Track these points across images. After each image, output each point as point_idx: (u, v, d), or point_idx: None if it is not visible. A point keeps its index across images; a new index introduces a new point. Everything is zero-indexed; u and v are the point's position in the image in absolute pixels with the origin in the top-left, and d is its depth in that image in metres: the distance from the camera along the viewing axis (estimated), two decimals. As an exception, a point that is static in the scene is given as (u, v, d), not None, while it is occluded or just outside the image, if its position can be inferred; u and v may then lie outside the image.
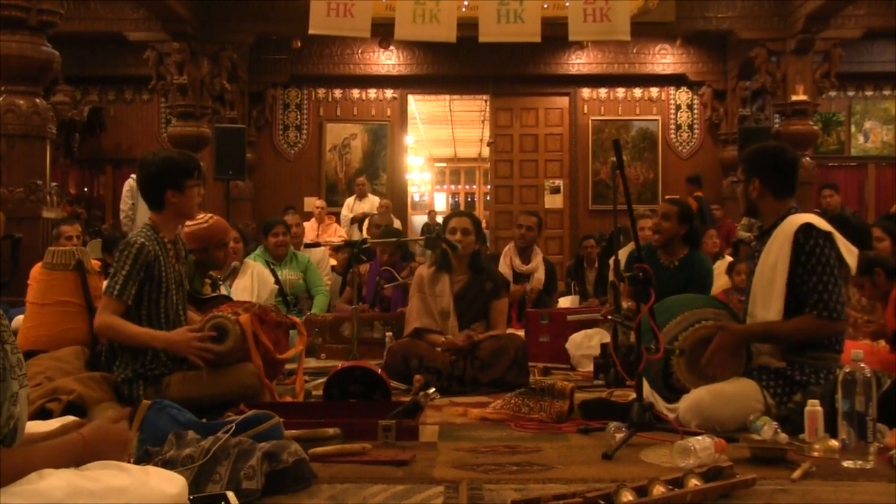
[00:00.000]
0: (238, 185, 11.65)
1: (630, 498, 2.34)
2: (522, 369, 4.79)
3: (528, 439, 3.41)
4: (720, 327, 3.58)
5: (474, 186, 25.55)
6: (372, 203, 11.86)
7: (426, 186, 25.48)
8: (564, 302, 7.47)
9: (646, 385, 3.66)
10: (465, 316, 5.02)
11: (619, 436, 3.16)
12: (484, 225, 8.67)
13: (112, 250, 6.53)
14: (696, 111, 13.29)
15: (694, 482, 2.48)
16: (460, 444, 3.30)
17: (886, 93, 13.56)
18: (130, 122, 13.25)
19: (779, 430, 3.13)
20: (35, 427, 2.25)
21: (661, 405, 3.65)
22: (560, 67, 12.93)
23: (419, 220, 20.32)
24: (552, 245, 12.78)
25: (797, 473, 2.74)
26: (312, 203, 11.81)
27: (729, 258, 8.40)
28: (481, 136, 20.04)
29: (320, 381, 4.42)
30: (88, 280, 4.44)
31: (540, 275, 7.08)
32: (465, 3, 9.98)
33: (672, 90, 13.30)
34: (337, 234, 11.17)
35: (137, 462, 2.50)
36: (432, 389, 3.97)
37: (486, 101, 14.66)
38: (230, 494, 2.30)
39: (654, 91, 13.29)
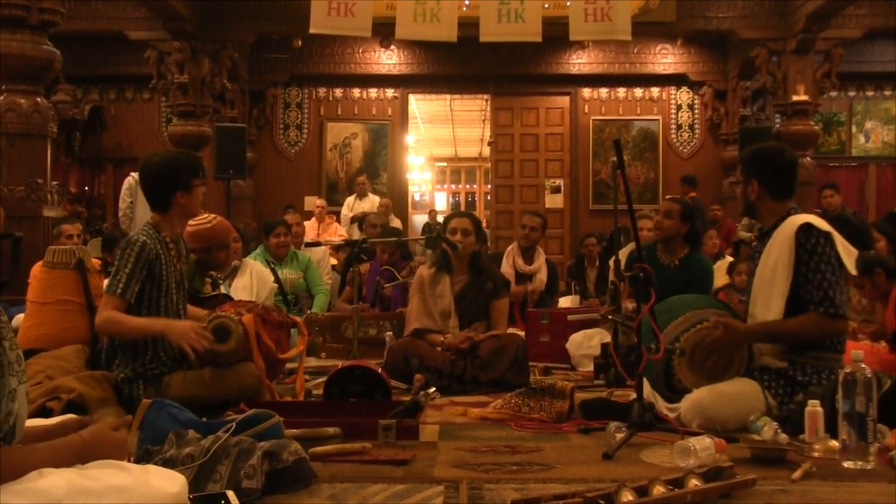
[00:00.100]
0: (238, 185, 11.64)
1: (630, 498, 2.34)
2: (523, 369, 4.80)
3: (528, 439, 3.41)
4: (724, 324, 3.57)
5: (475, 186, 25.54)
6: (372, 202, 11.85)
7: (427, 186, 25.47)
8: (565, 302, 7.47)
9: (646, 385, 3.66)
10: (466, 316, 5.02)
11: (619, 436, 3.17)
12: (484, 224, 8.67)
13: (112, 249, 6.55)
14: (696, 111, 13.29)
15: (694, 482, 2.48)
16: (460, 444, 3.30)
17: (887, 93, 13.55)
18: (131, 121, 13.25)
19: (779, 431, 3.13)
20: (35, 423, 2.25)
21: (662, 405, 3.65)
22: (561, 67, 12.92)
23: (420, 219, 20.32)
24: (552, 245, 12.77)
25: (797, 474, 2.74)
26: (313, 202, 11.81)
27: (729, 258, 8.41)
28: (482, 135, 20.04)
29: (321, 380, 4.42)
30: (89, 279, 4.44)
31: (542, 276, 7.07)
32: (466, 2, 9.97)
33: (673, 90, 13.29)
34: (337, 233, 11.17)
35: (138, 461, 2.50)
36: (432, 389, 3.98)
37: (486, 100, 14.66)
38: (230, 493, 2.30)
39: (655, 91, 13.28)
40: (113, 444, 2.12)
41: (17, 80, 6.49)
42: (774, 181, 3.71)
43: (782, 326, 3.55)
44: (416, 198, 23.67)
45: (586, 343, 5.56)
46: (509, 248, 7.35)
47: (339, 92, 13.29)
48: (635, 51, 12.69)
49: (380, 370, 4.06)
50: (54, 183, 6.86)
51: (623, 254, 5.02)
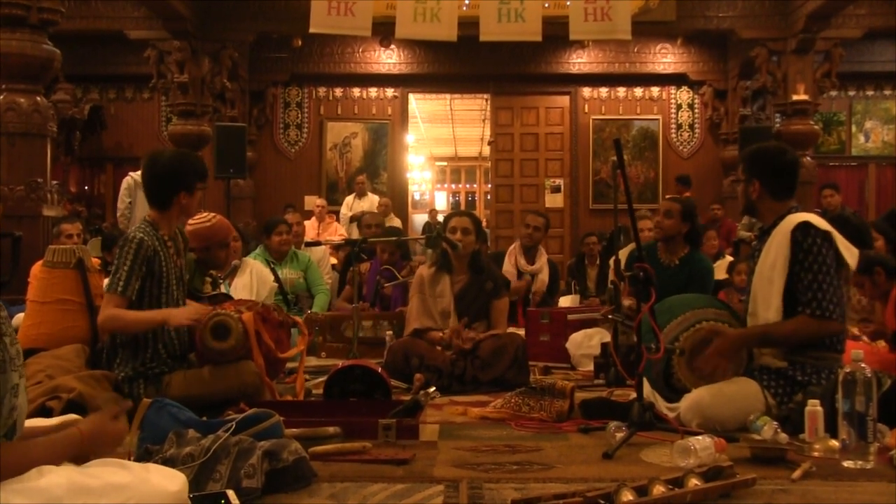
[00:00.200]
0: (239, 184, 11.64)
1: (630, 497, 2.34)
2: (523, 368, 4.80)
3: (528, 438, 3.41)
4: (716, 332, 3.57)
5: (475, 185, 25.53)
6: (371, 202, 11.85)
7: (427, 185, 25.46)
8: (565, 301, 7.48)
9: (646, 385, 3.66)
10: (466, 315, 5.02)
11: (619, 435, 3.17)
12: (484, 224, 8.67)
13: (112, 248, 6.54)
14: (696, 111, 13.29)
15: (694, 482, 2.48)
16: (460, 444, 3.30)
17: (887, 92, 13.55)
18: (131, 120, 13.25)
19: (779, 430, 3.13)
20: (35, 423, 2.25)
21: (662, 405, 3.65)
22: (561, 66, 12.92)
23: (420, 219, 20.32)
24: (552, 244, 12.77)
25: (797, 473, 2.74)
26: (313, 202, 11.81)
27: (729, 258, 8.42)
28: (482, 135, 20.04)
29: (321, 379, 4.42)
30: (89, 278, 4.44)
31: (544, 276, 7.08)
32: (466, 2, 9.97)
33: (673, 89, 13.29)
34: (337, 232, 11.17)
35: (138, 460, 2.50)
36: (432, 388, 3.98)
37: (486, 100, 14.66)
38: (230, 493, 2.30)
39: (655, 90, 13.28)
40: (112, 432, 2.11)
41: (16, 80, 6.49)
42: (775, 180, 3.71)
43: (774, 330, 3.55)
44: (416, 197, 23.66)
45: (586, 343, 5.56)
46: (511, 247, 7.35)
47: (339, 91, 13.29)
48: (635, 50, 12.69)
49: (380, 370, 4.06)
50: (54, 182, 6.86)
51: (623, 253, 5.01)
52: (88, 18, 10.61)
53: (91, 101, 12.92)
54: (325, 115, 13.30)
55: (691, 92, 13.26)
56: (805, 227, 3.54)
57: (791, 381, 3.51)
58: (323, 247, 8.06)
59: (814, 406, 3.14)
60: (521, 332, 5.79)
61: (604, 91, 13.26)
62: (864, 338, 4.57)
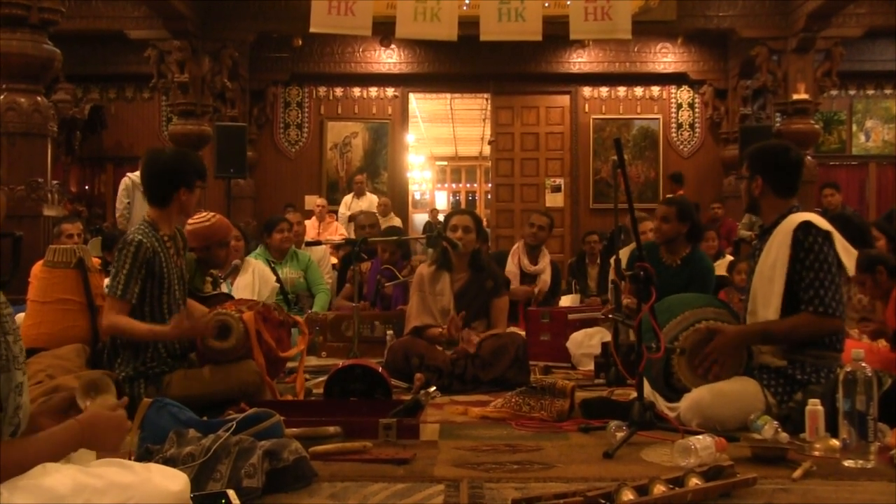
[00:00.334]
0: (239, 184, 11.64)
1: (631, 497, 2.34)
2: (523, 368, 4.80)
3: (528, 438, 3.41)
4: (716, 330, 3.57)
5: (475, 185, 25.53)
6: (370, 201, 11.86)
7: (427, 185, 25.46)
8: (566, 300, 7.47)
9: (646, 384, 3.66)
10: (466, 314, 5.02)
11: (619, 435, 3.17)
12: (485, 223, 8.66)
13: (112, 248, 6.54)
14: (697, 110, 13.29)
15: (694, 481, 2.48)
16: (461, 443, 3.30)
17: (888, 92, 13.54)
18: (131, 120, 13.25)
19: (779, 430, 3.13)
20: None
21: (662, 404, 3.65)
22: (561, 66, 12.92)
23: (420, 218, 20.32)
24: (553, 243, 12.74)
25: (798, 473, 2.74)
26: (313, 201, 11.81)
27: (730, 257, 8.41)
28: (482, 134, 20.03)
29: (321, 379, 4.42)
30: (89, 278, 4.44)
31: (547, 276, 7.06)
32: (467, 1, 9.97)
33: (673, 89, 13.29)
34: (338, 232, 11.17)
35: (138, 460, 2.50)
36: (433, 388, 3.98)
37: (486, 99, 14.65)
38: (231, 493, 2.31)
39: (656, 90, 13.28)
40: (112, 423, 2.11)
41: (17, 80, 6.49)
42: (778, 178, 3.72)
43: (775, 327, 3.55)
44: (417, 197, 23.66)
45: (587, 342, 5.56)
46: (515, 246, 7.34)
47: (339, 91, 13.29)
48: (636, 50, 12.69)
49: (380, 369, 4.07)
50: (54, 182, 6.86)
51: (624, 253, 5.02)
52: (89, 18, 10.61)
53: (91, 100, 12.92)
54: (325, 115, 13.30)
55: (692, 91, 13.26)
56: (806, 226, 3.54)
57: (791, 380, 3.51)
58: (323, 246, 8.06)
59: (814, 405, 3.14)
60: (522, 331, 5.79)
61: (604, 90, 13.26)
62: (865, 337, 4.57)
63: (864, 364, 2.84)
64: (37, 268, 4.73)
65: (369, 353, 5.13)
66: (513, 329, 5.48)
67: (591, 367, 5.20)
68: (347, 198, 12.11)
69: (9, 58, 6.39)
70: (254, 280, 5.89)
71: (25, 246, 6.15)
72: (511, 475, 2.80)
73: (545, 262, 7.13)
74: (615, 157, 3.59)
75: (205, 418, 2.92)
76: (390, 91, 13.32)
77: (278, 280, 6.32)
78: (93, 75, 12.77)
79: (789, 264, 3.52)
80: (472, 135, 21.07)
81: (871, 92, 13.59)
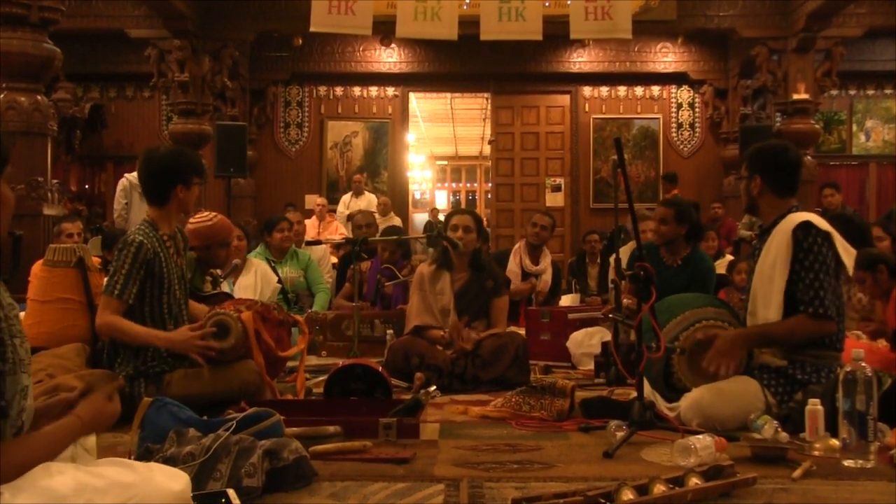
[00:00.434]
0: (239, 183, 11.64)
1: (631, 496, 2.34)
2: (523, 367, 4.79)
3: (528, 437, 3.42)
4: (716, 335, 3.57)
5: (475, 184, 25.53)
6: (369, 200, 11.87)
7: (427, 184, 25.46)
8: (566, 300, 7.47)
9: (646, 384, 3.66)
10: (466, 314, 5.02)
11: (619, 434, 3.17)
12: (485, 223, 8.66)
13: (113, 247, 6.54)
14: (697, 110, 13.29)
15: (694, 481, 2.48)
16: (461, 442, 3.30)
17: (888, 91, 13.54)
18: (132, 119, 13.25)
19: (779, 429, 3.13)
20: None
21: (662, 404, 3.65)
22: (561, 65, 12.92)
23: (421, 217, 20.32)
24: (553, 243, 12.71)
25: (798, 472, 2.74)
26: (314, 201, 11.81)
27: (730, 256, 8.41)
28: (482, 133, 20.03)
29: (321, 378, 4.42)
30: (89, 277, 4.44)
31: (547, 277, 7.06)
32: (467, 1, 9.97)
33: (673, 88, 13.29)
34: (338, 231, 11.17)
35: (138, 459, 2.50)
36: (433, 387, 3.98)
37: (487, 98, 14.66)
38: (231, 492, 2.30)
39: (656, 89, 13.28)
40: (108, 412, 2.11)
41: (17, 79, 6.49)
42: (777, 178, 3.72)
43: (773, 329, 3.56)
44: (417, 196, 23.66)
45: (587, 341, 5.56)
46: (516, 246, 7.33)
47: (339, 90, 13.30)
48: (636, 49, 12.69)
49: (380, 369, 4.07)
50: (55, 181, 6.86)
51: (625, 252, 5.02)
52: (89, 17, 10.62)
53: (92, 99, 12.91)
54: (325, 114, 13.30)
55: (692, 91, 13.26)
56: (806, 226, 3.54)
57: (791, 379, 3.51)
58: (323, 246, 8.06)
59: (814, 405, 3.14)
60: (522, 330, 5.79)
61: (604, 90, 13.26)
62: (865, 337, 4.57)
63: (864, 364, 2.84)
64: (37, 267, 4.73)
65: (369, 353, 5.13)
66: (513, 329, 5.48)
67: (591, 366, 5.20)
68: (346, 197, 12.11)
69: (9, 56, 6.39)
70: (256, 280, 5.89)
71: (25, 245, 6.11)
72: (511, 475, 2.80)
73: (546, 262, 7.12)
74: (615, 157, 3.59)
75: (205, 418, 2.92)
76: (390, 90, 13.32)
77: (279, 280, 6.32)
78: (93, 74, 12.77)
79: (789, 264, 3.52)
80: (472, 134, 21.08)
81: (871, 92, 13.59)
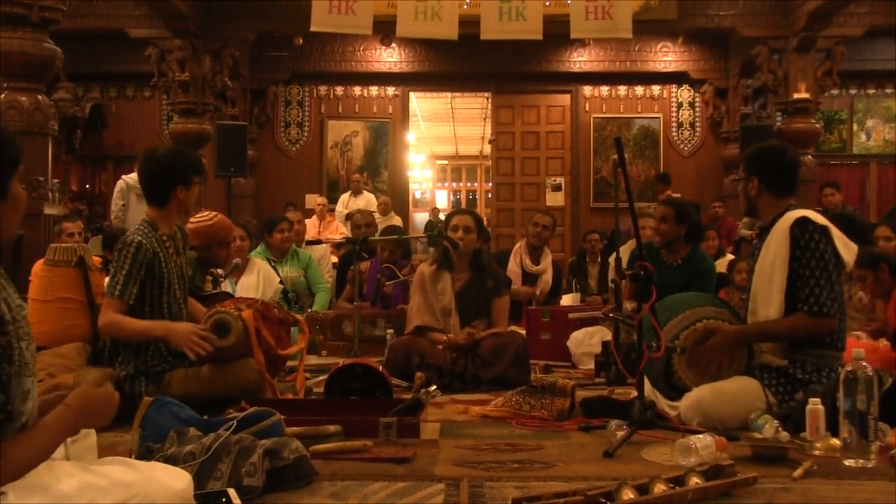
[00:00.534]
0: (239, 182, 11.64)
1: (631, 496, 2.34)
2: (523, 367, 4.79)
3: (529, 437, 3.42)
4: (714, 329, 3.57)
5: (475, 184, 25.53)
6: (367, 199, 11.88)
7: (428, 184, 25.46)
8: (566, 299, 7.47)
9: (647, 383, 3.66)
10: (467, 314, 5.02)
11: (620, 434, 3.17)
12: (485, 223, 8.66)
13: (113, 247, 6.55)
14: (697, 109, 13.29)
15: (695, 480, 2.48)
16: (461, 442, 3.30)
17: (889, 91, 13.54)
18: (132, 118, 13.25)
19: (780, 429, 3.14)
20: None
21: (663, 403, 3.65)
22: (562, 65, 12.92)
23: (421, 217, 20.32)
24: (554, 243, 12.69)
25: (798, 472, 2.74)
26: (314, 200, 11.82)
27: (730, 256, 8.41)
28: (483, 133, 20.03)
29: (321, 378, 4.42)
30: (90, 276, 4.45)
31: (549, 276, 7.06)
32: (467, 0, 9.97)
33: (674, 88, 13.29)
34: (338, 231, 11.17)
35: (139, 458, 2.50)
36: (433, 387, 3.98)
37: (487, 98, 14.65)
38: (231, 491, 2.31)
39: (656, 89, 13.28)
40: (102, 400, 2.10)
41: (18, 78, 6.48)
42: (775, 178, 3.72)
43: (772, 327, 3.56)
44: (417, 196, 23.66)
45: (587, 341, 5.56)
46: (517, 246, 7.32)
47: (339, 90, 13.29)
48: (636, 49, 12.68)
49: (381, 368, 4.07)
50: (55, 181, 6.85)
51: (625, 251, 5.01)
52: (90, 17, 10.62)
53: (92, 99, 12.91)
54: (325, 114, 13.30)
55: (692, 90, 13.25)
56: (803, 222, 3.54)
57: (792, 379, 3.51)
58: (324, 245, 8.06)
59: (815, 404, 3.14)
60: (523, 330, 5.79)
61: (605, 89, 13.26)
62: (865, 336, 4.57)
63: (864, 363, 2.84)
64: (37, 266, 4.73)
65: (370, 352, 5.14)
66: (514, 328, 5.48)
67: (592, 366, 5.20)
68: (345, 196, 12.13)
69: (10, 56, 6.38)
70: (258, 280, 5.88)
71: (26, 244, 6.15)
72: (511, 474, 2.80)
73: (547, 262, 7.12)
74: (616, 157, 3.59)
75: (205, 417, 2.92)
76: (391, 90, 13.32)
77: (281, 281, 6.32)
78: (94, 74, 12.77)
79: (788, 261, 3.52)
80: (472, 134, 21.08)
81: (871, 91, 13.59)
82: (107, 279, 3.97)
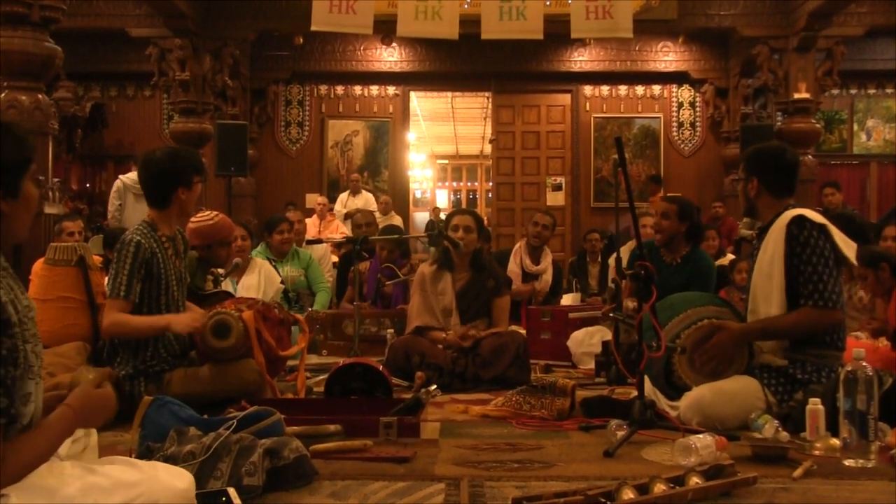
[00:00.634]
0: (240, 182, 11.64)
1: (631, 496, 2.34)
2: (524, 366, 4.80)
3: (529, 437, 3.42)
4: (718, 326, 3.57)
5: (476, 183, 25.52)
6: (366, 199, 11.89)
7: (428, 183, 25.45)
8: (566, 299, 7.47)
9: (647, 383, 3.66)
10: (467, 313, 5.02)
11: (620, 433, 3.17)
12: (485, 222, 8.65)
13: (114, 246, 6.55)
14: (698, 109, 13.28)
15: (695, 480, 2.48)
16: (461, 442, 3.30)
17: (889, 91, 13.53)
18: (132, 118, 13.25)
19: (780, 429, 3.13)
20: None
21: (663, 403, 3.65)
22: (562, 65, 12.92)
23: (421, 216, 20.31)
24: (554, 242, 12.68)
25: (798, 472, 2.74)
26: (314, 199, 11.82)
27: (731, 255, 8.41)
28: (483, 132, 20.03)
29: (322, 377, 4.42)
30: (90, 276, 4.44)
31: (548, 276, 7.06)
32: (468, 0, 9.97)
33: (674, 88, 13.29)
34: (339, 230, 11.17)
35: (139, 458, 2.50)
36: (433, 386, 3.99)
37: (488, 98, 14.65)
38: (231, 491, 2.30)
39: (657, 88, 13.28)
40: (101, 399, 2.10)
41: (18, 77, 6.48)
42: (774, 179, 3.73)
43: (776, 323, 3.55)
44: (418, 195, 23.66)
45: (587, 341, 5.56)
46: (517, 246, 7.32)
47: (340, 89, 13.30)
48: (637, 48, 12.68)
49: (381, 368, 4.07)
50: (55, 180, 6.86)
51: (625, 251, 5.01)
52: (90, 16, 10.62)
53: (92, 98, 12.91)
54: (326, 113, 13.30)
55: (693, 90, 13.25)
56: (800, 220, 3.55)
57: (792, 379, 3.51)
58: (324, 245, 8.05)
59: (815, 404, 3.14)
60: (523, 330, 5.79)
61: (605, 89, 13.26)
62: (864, 335, 4.57)
63: (864, 363, 2.84)
64: (37, 265, 4.73)
65: (370, 352, 5.14)
66: (514, 328, 5.48)
67: (592, 365, 5.20)
68: (343, 195, 12.15)
69: (10, 55, 6.39)
70: (260, 280, 5.88)
71: (26, 244, 6.15)
72: (511, 474, 2.80)
73: (547, 261, 7.12)
74: (616, 156, 3.59)
75: (205, 416, 2.92)
76: (391, 89, 13.32)
77: (282, 281, 6.32)
78: (94, 73, 12.76)
79: (786, 259, 3.52)
80: (473, 133, 21.07)
81: (872, 91, 13.59)
82: (107, 279, 3.97)
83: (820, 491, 2.60)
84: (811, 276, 3.48)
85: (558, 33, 9.89)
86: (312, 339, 5.64)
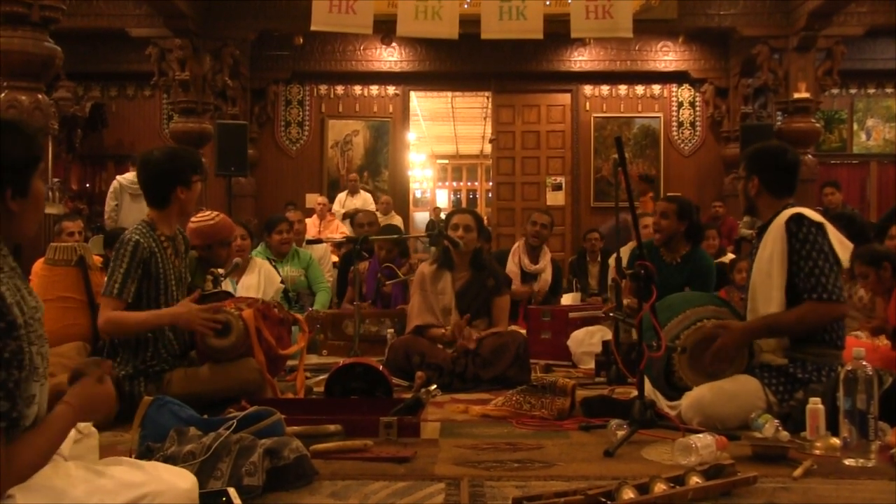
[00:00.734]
0: (240, 182, 11.63)
1: (631, 495, 2.34)
2: (524, 366, 4.79)
3: (529, 436, 3.41)
4: (722, 327, 3.57)
5: (476, 183, 25.52)
6: (364, 199, 11.90)
7: (428, 183, 25.45)
8: (566, 299, 7.47)
9: (647, 382, 3.66)
10: (468, 313, 5.02)
11: (620, 433, 3.17)
12: (485, 222, 8.65)
13: (114, 246, 6.55)
14: (698, 108, 13.28)
15: (695, 480, 2.48)
16: (462, 441, 3.30)
17: (889, 90, 13.54)
18: (132, 118, 13.25)
19: (780, 428, 3.13)
20: None
21: (663, 402, 3.65)
22: (562, 64, 12.92)
23: (421, 216, 20.31)
24: (554, 242, 12.74)
25: (799, 471, 2.74)
26: (314, 199, 11.82)
27: (731, 255, 8.41)
28: (483, 132, 20.03)
29: (322, 377, 4.42)
30: (90, 276, 4.44)
31: (547, 276, 7.06)
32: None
33: (674, 87, 13.29)
34: (339, 230, 11.17)
35: (139, 458, 2.50)
36: (434, 386, 3.98)
37: (488, 97, 14.65)
38: (231, 491, 2.30)
39: (657, 88, 13.28)
40: (101, 395, 2.09)
41: (18, 77, 6.48)
42: (775, 178, 3.73)
43: (780, 319, 3.55)
44: (418, 195, 23.66)
45: (587, 340, 5.56)
46: (515, 246, 7.32)
47: (340, 89, 13.30)
48: (637, 48, 12.68)
49: (381, 367, 4.07)
50: (55, 180, 6.87)
51: (625, 251, 5.02)
52: (90, 16, 10.62)
53: (92, 98, 12.90)
54: (326, 113, 13.30)
55: (692, 90, 13.25)
56: (798, 218, 3.55)
57: (792, 378, 3.51)
58: (324, 244, 8.05)
59: (815, 404, 3.14)
60: (523, 330, 5.79)
61: (605, 89, 13.26)
62: (864, 334, 4.57)
63: (864, 363, 2.84)
64: (37, 265, 4.73)
65: (370, 352, 5.14)
66: (514, 328, 5.48)
67: (592, 365, 5.20)
68: (342, 195, 12.16)
69: (10, 55, 6.38)
70: (260, 280, 5.88)
71: (26, 244, 6.15)
72: (512, 473, 2.80)
73: (546, 261, 7.12)
74: (616, 156, 3.59)
75: (205, 416, 2.92)
76: (391, 89, 13.32)
77: (282, 281, 6.31)
78: (94, 73, 12.76)
79: (786, 257, 3.52)
80: (473, 133, 21.07)
81: (872, 91, 13.59)
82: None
83: (820, 490, 2.60)
84: (812, 270, 3.49)
85: (558, 33, 9.90)
86: (312, 338, 5.64)
